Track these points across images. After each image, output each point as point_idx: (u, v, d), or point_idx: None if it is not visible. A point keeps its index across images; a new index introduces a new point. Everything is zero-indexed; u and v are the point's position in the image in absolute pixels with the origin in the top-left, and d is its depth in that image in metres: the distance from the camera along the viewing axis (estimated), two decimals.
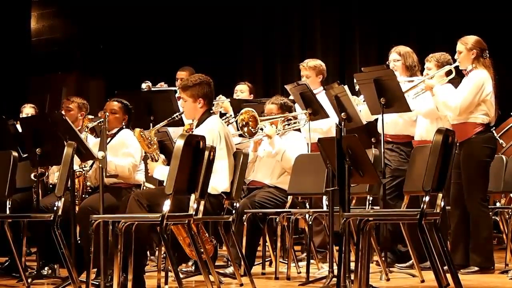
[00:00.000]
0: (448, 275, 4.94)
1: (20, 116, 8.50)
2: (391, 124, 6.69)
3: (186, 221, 5.03)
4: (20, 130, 6.64)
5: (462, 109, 6.23)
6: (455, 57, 6.35)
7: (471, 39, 6.30)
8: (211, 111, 5.84)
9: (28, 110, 8.78)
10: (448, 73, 6.46)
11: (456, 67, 6.39)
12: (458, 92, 6.30)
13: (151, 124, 7.00)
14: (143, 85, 8.04)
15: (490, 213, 6.55)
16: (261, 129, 6.58)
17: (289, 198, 6.39)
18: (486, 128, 6.27)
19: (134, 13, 11.75)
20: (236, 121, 6.76)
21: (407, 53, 6.79)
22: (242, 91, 8.24)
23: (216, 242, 5.93)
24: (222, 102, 7.78)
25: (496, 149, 6.55)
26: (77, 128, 6.21)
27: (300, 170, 6.29)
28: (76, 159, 5.73)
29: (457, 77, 6.47)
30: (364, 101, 6.57)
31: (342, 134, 5.11)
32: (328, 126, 7.16)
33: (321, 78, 7.47)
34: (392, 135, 6.72)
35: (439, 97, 6.32)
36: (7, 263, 6.56)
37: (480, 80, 6.23)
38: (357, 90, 6.64)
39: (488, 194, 6.58)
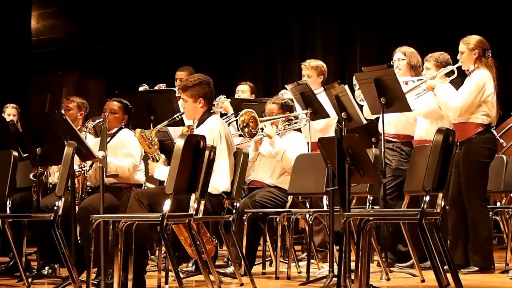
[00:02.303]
0: (449, 275, 4.94)
1: (2, 116, 8.48)
2: (392, 123, 6.69)
3: (186, 221, 5.03)
4: None
5: (463, 110, 6.22)
6: (458, 57, 6.33)
7: (473, 39, 6.27)
8: (212, 111, 5.84)
9: (10, 110, 8.73)
10: (450, 73, 6.45)
11: (458, 67, 6.37)
12: (459, 93, 6.28)
13: (151, 124, 7.00)
14: (141, 88, 8.02)
15: (490, 213, 6.55)
16: (262, 129, 6.58)
17: (290, 197, 6.39)
18: (486, 128, 6.26)
19: (134, 13, 11.76)
20: (237, 122, 6.75)
21: (412, 53, 6.78)
22: (243, 91, 8.22)
23: (217, 242, 5.93)
24: (222, 103, 7.77)
25: (496, 149, 6.54)
26: (76, 128, 6.20)
27: (301, 170, 6.28)
28: (75, 159, 5.73)
29: (458, 78, 6.46)
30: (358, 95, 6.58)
31: (343, 134, 5.11)
32: (321, 126, 7.17)
33: (322, 79, 7.46)
34: (392, 134, 6.72)
35: (441, 98, 6.31)
36: (11, 263, 6.56)
37: (481, 81, 6.21)
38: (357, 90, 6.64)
39: (488, 194, 6.58)
